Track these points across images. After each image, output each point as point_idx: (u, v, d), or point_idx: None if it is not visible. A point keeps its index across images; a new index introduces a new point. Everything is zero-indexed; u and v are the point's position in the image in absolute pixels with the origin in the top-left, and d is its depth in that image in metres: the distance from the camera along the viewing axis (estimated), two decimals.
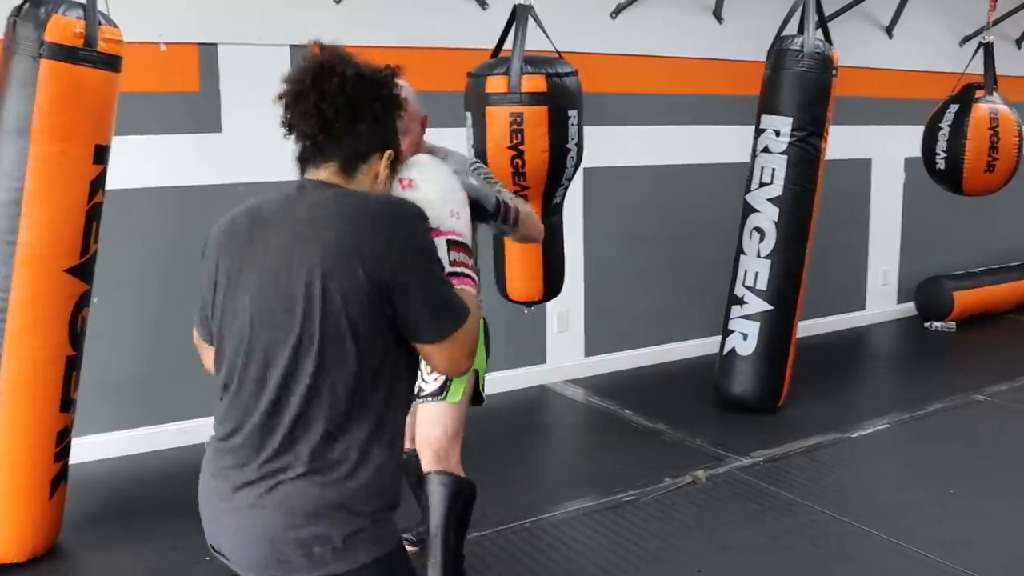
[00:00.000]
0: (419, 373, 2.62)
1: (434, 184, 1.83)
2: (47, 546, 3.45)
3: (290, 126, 1.76)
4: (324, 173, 1.75)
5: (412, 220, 1.68)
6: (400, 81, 1.82)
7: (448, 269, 1.75)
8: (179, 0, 4.27)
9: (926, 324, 7.00)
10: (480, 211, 2.38)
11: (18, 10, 3.07)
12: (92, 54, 3.08)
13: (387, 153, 1.78)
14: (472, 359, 1.76)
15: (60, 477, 3.43)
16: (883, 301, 7.18)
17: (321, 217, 1.67)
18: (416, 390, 2.82)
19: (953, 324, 6.91)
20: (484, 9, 4.96)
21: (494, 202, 2.45)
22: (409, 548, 3.09)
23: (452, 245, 1.78)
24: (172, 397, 4.50)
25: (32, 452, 3.31)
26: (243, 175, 4.49)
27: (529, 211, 2.70)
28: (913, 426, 4.86)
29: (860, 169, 6.83)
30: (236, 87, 4.46)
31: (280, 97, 1.75)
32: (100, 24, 3.11)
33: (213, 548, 1.75)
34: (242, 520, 1.65)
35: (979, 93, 5.47)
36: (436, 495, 2.84)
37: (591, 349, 5.75)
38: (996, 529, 3.64)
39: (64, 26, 3.02)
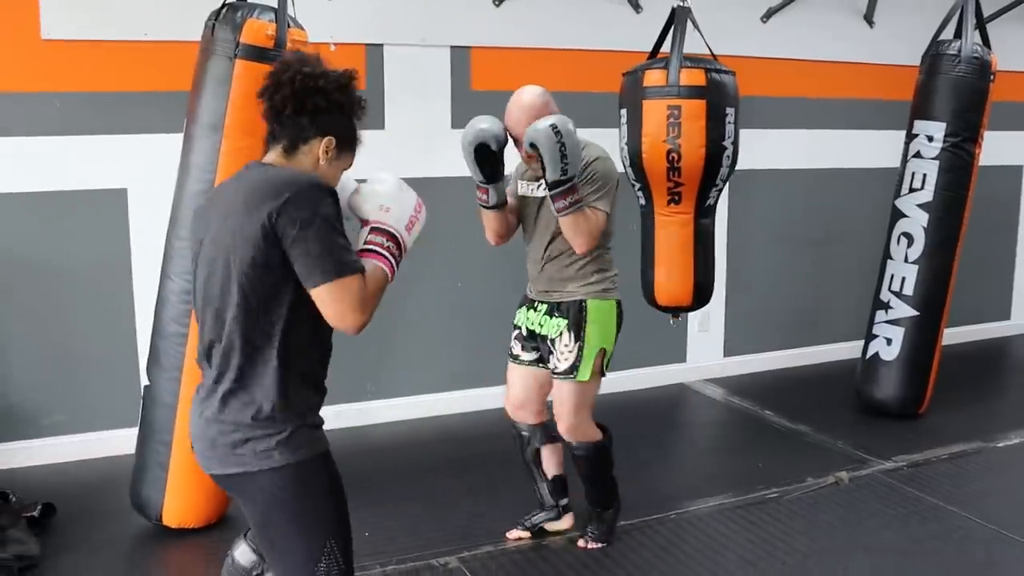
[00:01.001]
0: (553, 353, 3.28)
1: (372, 183, 2.25)
2: (219, 515, 3.70)
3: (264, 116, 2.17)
4: (272, 155, 2.14)
5: (314, 187, 1.99)
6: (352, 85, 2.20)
7: (362, 246, 2.12)
8: (348, 3, 4.50)
9: None
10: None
11: (217, 14, 3.32)
12: (282, 54, 3.31)
13: (326, 139, 2.12)
14: (359, 315, 2.00)
15: None
16: None
17: (248, 187, 2.03)
18: (553, 367, 3.32)
19: None
20: (638, 12, 5.06)
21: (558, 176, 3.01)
22: (521, 533, 3.56)
23: (374, 231, 2.15)
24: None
25: None
26: (404, 170, 4.67)
27: (593, 216, 3.17)
28: None
29: (1010, 176, 6.67)
30: (399, 86, 4.68)
31: (259, 94, 2.16)
32: (289, 26, 3.33)
33: None
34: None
35: None
36: (580, 463, 3.41)
37: (730, 349, 5.80)
38: None
39: (258, 29, 3.26)
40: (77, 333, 4.28)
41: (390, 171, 2.30)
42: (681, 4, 3.96)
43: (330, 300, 1.97)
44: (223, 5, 3.32)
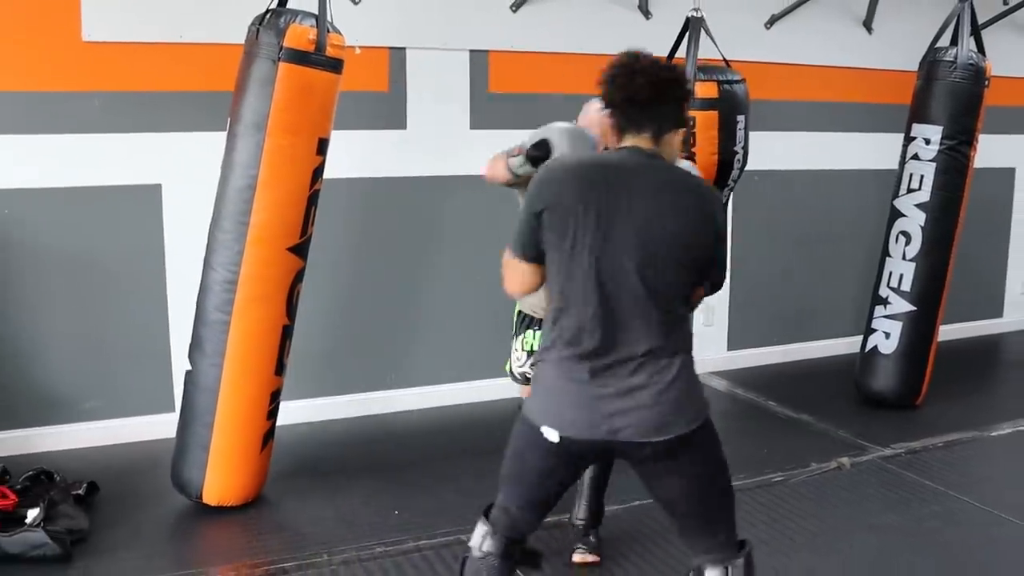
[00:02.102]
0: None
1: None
2: (255, 494, 3.89)
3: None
4: (639, 141, 2.27)
5: (719, 195, 2.44)
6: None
7: None
8: (373, 8, 4.69)
9: None
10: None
11: (261, 19, 3.51)
12: (322, 58, 3.50)
13: (681, 131, 2.32)
14: None
15: (269, 434, 3.87)
16: (1021, 309, 7.21)
17: (675, 183, 2.27)
18: None
19: None
20: (648, 19, 5.26)
21: None
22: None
23: None
24: (350, 371, 4.96)
25: (250, 409, 3.75)
26: (425, 169, 4.92)
27: None
28: None
29: (1003, 178, 6.89)
30: (421, 88, 4.88)
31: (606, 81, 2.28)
32: (328, 31, 3.53)
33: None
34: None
35: None
36: None
37: (734, 343, 6.01)
38: None
39: (300, 33, 3.45)
40: (112, 323, 4.46)
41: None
42: (695, 14, 4.18)
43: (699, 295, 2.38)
44: (267, 11, 3.51)
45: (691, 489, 2.31)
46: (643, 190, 2.19)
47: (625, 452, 2.27)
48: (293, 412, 4.69)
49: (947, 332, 6.24)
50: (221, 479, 3.74)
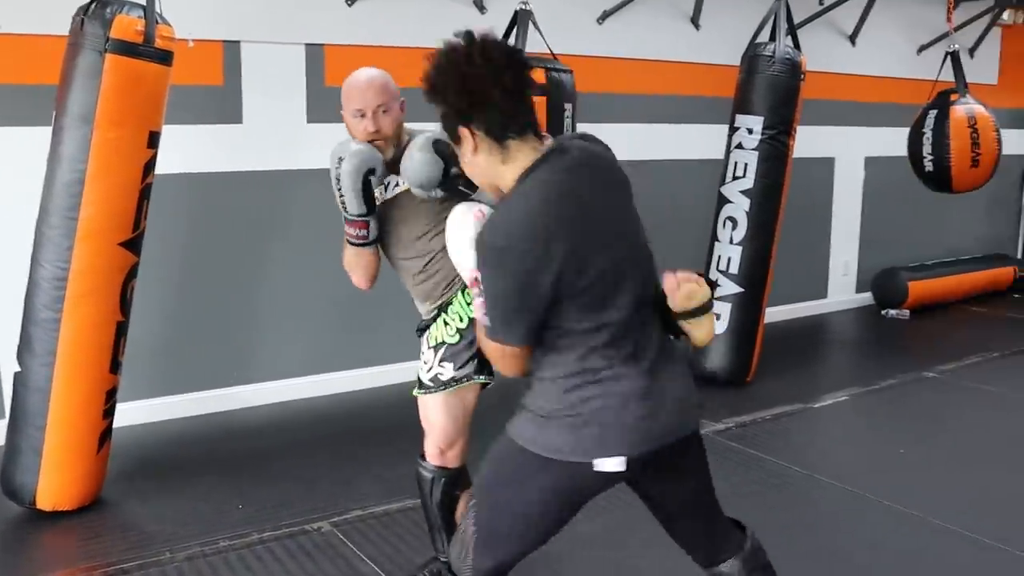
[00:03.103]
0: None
1: None
2: (93, 497, 3.79)
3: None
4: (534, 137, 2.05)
5: None
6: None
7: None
8: (205, 1, 4.63)
9: (882, 312, 7.49)
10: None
11: (85, 9, 3.42)
12: (150, 50, 3.44)
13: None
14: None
15: (106, 434, 3.78)
16: (843, 290, 7.68)
17: (597, 167, 2.11)
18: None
19: (907, 312, 7.40)
20: (483, 13, 5.36)
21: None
22: None
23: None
24: (188, 369, 4.89)
25: (84, 408, 3.65)
26: (262, 163, 4.88)
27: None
28: (869, 398, 5.35)
29: (824, 167, 7.31)
30: (256, 82, 4.84)
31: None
32: (157, 23, 3.48)
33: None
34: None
35: (953, 97, 5.84)
36: None
37: None
38: (939, 478, 4.13)
39: (127, 24, 3.38)
40: None
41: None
42: (523, 7, 4.29)
43: None
44: (92, 0, 3.43)
45: (701, 486, 2.26)
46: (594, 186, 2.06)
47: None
48: (132, 412, 4.60)
49: (776, 313, 6.63)
50: (56, 482, 3.64)
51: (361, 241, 2.86)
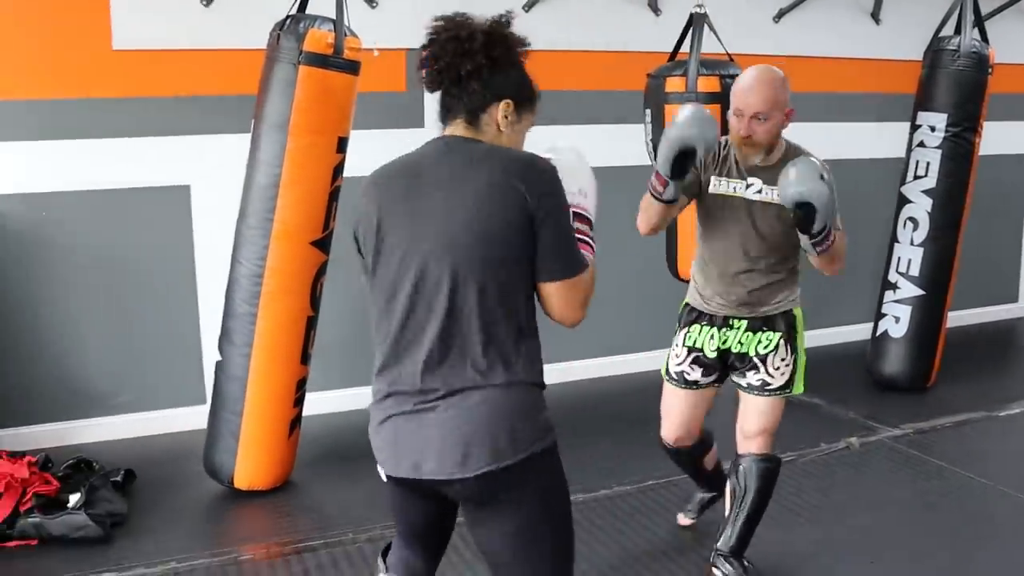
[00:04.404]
0: (760, 369, 3.04)
1: (565, 162, 2.03)
2: (284, 478, 4.08)
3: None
4: (454, 129, 2.00)
5: (552, 170, 1.92)
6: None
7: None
8: (390, 10, 4.87)
9: None
10: (806, 222, 2.71)
11: (282, 24, 3.69)
12: (340, 61, 3.68)
13: (503, 103, 1.96)
14: (583, 312, 1.95)
15: (296, 421, 4.05)
16: None
17: (473, 163, 1.92)
18: (761, 384, 3.08)
19: None
20: (657, 15, 5.39)
21: (824, 225, 2.74)
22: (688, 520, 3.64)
23: (575, 217, 1.99)
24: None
25: (277, 396, 3.93)
26: None
27: (842, 240, 2.91)
28: None
29: (1017, 164, 6.95)
30: None
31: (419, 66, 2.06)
32: (345, 35, 3.70)
33: None
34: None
35: None
36: (757, 476, 3.10)
37: None
38: None
39: (319, 38, 3.62)
40: (145, 319, 4.66)
41: (570, 143, 2.17)
42: (698, 10, 4.31)
43: (565, 295, 1.92)
44: (287, 17, 3.69)
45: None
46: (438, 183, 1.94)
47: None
48: (324, 402, 4.87)
49: (963, 317, 6.40)
50: (251, 464, 3.93)
51: (656, 194, 2.88)
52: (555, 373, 5.39)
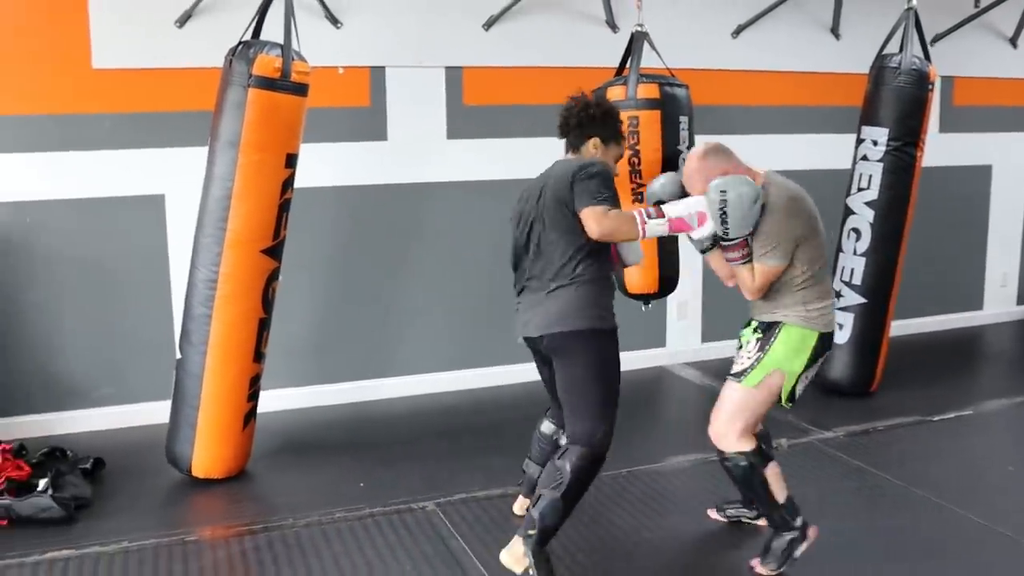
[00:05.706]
0: (737, 353, 3.50)
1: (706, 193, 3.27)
2: (239, 469, 4.39)
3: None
4: (568, 154, 3.54)
5: (593, 163, 3.32)
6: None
7: (646, 210, 3.29)
8: (355, 31, 5.16)
9: None
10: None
11: (234, 50, 3.99)
12: (287, 83, 3.97)
13: (592, 140, 3.47)
14: (602, 227, 3.15)
15: (251, 414, 4.36)
16: (1001, 302, 7.44)
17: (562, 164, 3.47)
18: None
19: None
20: (615, 32, 5.64)
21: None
22: (717, 516, 3.94)
23: (655, 207, 3.35)
24: (336, 362, 5.46)
25: (231, 391, 4.24)
26: (405, 176, 5.38)
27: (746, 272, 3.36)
28: (997, 414, 5.29)
29: (980, 175, 7.11)
30: (400, 102, 5.34)
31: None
32: (293, 60, 3.99)
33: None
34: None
35: None
36: (729, 474, 3.52)
37: (707, 336, 6.37)
38: None
39: (267, 62, 3.92)
40: (122, 319, 5.00)
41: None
42: (638, 29, 4.55)
43: (591, 217, 3.18)
44: (239, 42, 3.99)
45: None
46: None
47: None
48: (282, 399, 5.20)
49: (926, 324, 6.61)
50: (207, 454, 4.25)
51: (743, 260, 3.34)
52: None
